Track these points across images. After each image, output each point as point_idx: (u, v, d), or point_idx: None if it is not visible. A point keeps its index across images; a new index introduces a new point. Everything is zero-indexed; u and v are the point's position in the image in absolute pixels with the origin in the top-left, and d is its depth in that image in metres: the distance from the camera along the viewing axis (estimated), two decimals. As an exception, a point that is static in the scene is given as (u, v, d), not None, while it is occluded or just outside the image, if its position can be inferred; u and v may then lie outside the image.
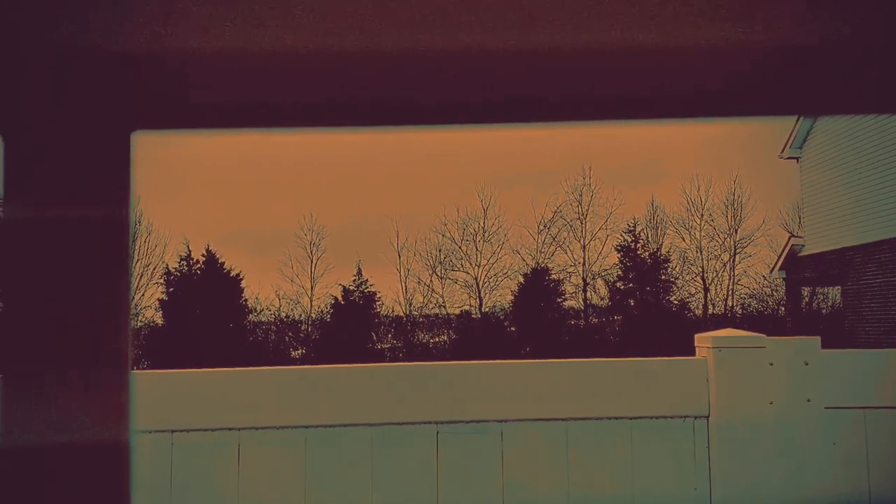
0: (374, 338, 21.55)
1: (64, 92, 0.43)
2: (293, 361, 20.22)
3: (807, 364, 1.93)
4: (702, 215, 23.07)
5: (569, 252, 22.82)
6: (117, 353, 0.43)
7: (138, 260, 20.78)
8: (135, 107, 0.44)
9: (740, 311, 22.07)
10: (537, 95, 0.45)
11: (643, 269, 21.91)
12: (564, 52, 0.43)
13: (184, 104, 0.45)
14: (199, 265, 20.86)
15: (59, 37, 0.43)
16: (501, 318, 21.82)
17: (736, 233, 23.03)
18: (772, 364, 1.93)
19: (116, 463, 0.43)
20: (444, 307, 22.45)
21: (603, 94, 0.45)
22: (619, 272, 22.17)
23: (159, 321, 20.33)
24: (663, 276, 22.12)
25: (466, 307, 22.41)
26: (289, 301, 22.31)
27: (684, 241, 23.03)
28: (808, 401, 1.91)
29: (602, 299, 22.30)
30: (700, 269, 22.74)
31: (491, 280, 22.70)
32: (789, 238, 18.68)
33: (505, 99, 0.45)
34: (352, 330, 20.67)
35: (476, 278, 22.65)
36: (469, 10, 0.44)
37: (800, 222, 20.24)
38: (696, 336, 2.09)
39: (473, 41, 0.44)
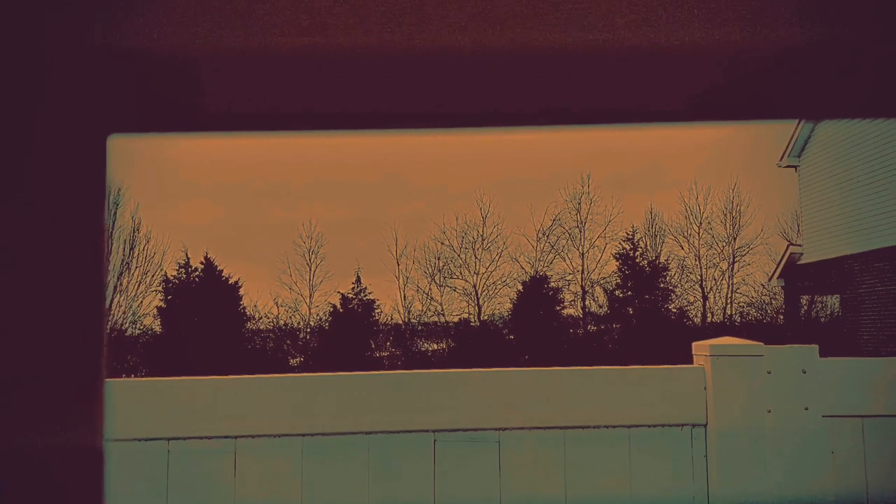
0: (373, 345, 21.50)
1: (39, 92, 0.43)
2: (291, 369, 20.16)
3: (805, 372, 1.93)
4: (700, 223, 23.11)
5: (567, 260, 22.84)
6: (91, 360, 0.43)
7: (137, 267, 20.76)
8: (110, 109, 0.43)
9: (739, 320, 22.04)
10: (537, 99, 0.45)
11: (642, 278, 21.89)
12: (565, 55, 0.44)
13: (161, 107, 0.44)
14: (197, 273, 20.82)
15: (35, 36, 0.43)
16: (500, 325, 21.79)
17: (734, 241, 23.05)
18: (770, 372, 1.93)
19: (90, 471, 0.42)
20: (443, 315, 22.42)
21: (603, 97, 0.45)
22: (618, 280, 22.15)
23: (157, 329, 20.29)
24: (662, 285, 22.11)
25: (465, 315, 22.38)
26: (287, 309, 22.27)
27: (683, 249, 23.05)
28: (806, 409, 1.91)
29: (601, 307, 22.28)
30: (699, 278, 22.74)
31: (489, 288, 22.69)
32: (788, 246, 18.69)
33: (504, 103, 0.45)
34: (350, 338, 20.61)
35: (475, 286, 22.64)
36: (478, 13, 0.44)
37: (798, 231, 20.27)
38: (694, 344, 2.08)
39: (481, 43, 0.44)
